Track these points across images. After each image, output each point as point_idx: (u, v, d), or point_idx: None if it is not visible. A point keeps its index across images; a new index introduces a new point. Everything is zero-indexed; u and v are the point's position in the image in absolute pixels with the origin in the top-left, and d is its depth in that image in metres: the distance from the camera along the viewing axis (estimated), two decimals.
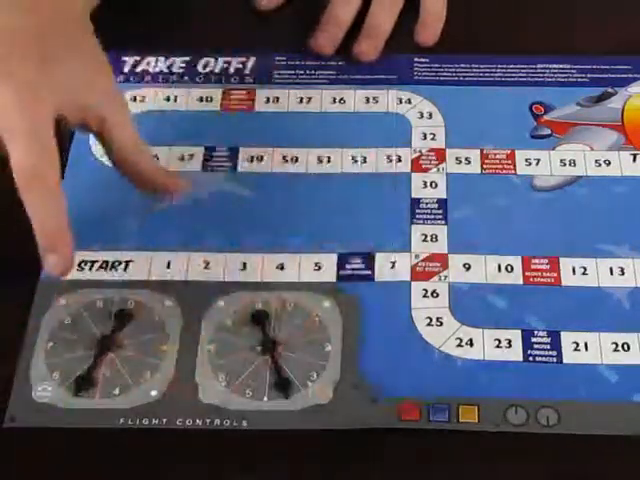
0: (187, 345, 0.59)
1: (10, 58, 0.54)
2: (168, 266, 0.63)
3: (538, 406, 0.57)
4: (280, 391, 0.57)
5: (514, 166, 0.67)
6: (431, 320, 0.60)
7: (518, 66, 0.73)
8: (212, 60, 0.74)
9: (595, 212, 0.65)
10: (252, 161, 0.68)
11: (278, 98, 0.72)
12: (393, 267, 0.62)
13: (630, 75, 0.72)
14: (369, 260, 0.63)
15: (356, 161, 0.68)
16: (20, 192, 0.53)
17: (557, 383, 0.58)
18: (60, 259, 0.55)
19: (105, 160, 0.68)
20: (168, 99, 0.72)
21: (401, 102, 0.71)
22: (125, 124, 0.58)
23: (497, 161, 0.68)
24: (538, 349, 0.59)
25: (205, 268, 0.63)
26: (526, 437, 0.56)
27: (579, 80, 0.72)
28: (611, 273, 0.62)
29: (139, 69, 0.73)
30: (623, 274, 0.62)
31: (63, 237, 0.54)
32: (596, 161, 0.68)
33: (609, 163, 0.67)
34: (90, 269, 0.62)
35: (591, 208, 0.65)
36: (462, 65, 0.73)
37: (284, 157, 0.68)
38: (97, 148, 0.68)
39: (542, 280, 0.62)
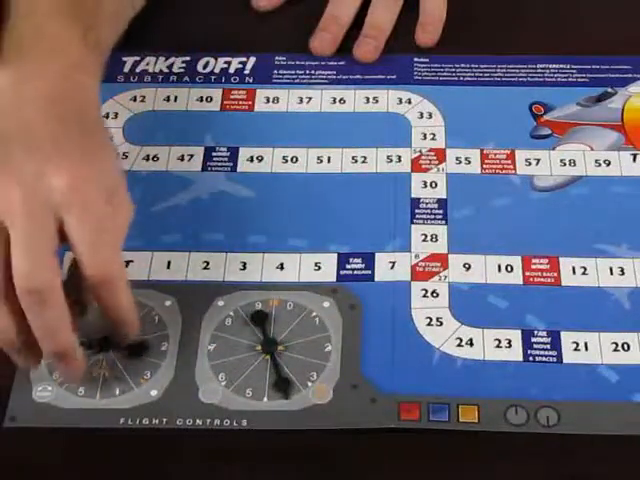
0: (187, 345, 0.59)
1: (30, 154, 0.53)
2: (168, 266, 0.63)
3: (538, 406, 0.57)
4: (280, 391, 0.57)
5: (514, 166, 0.67)
6: (431, 320, 0.60)
7: (518, 66, 0.73)
8: (212, 60, 0.74)
9: (595, 212, 0.65)
10: (252, 161, 0.68)
11: (278, 98, 0.72)
12: (393, 267, 0.62)
13: (630, 75, 0.72)
14: (369, 260, 0.63)
15: (356, 161, 0.68)
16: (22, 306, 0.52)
17: (557, 383, 0.58)
18: (69, 368, 0.55)
19: None
20: (168, 99, 0.72)
21: (401, 102, 0.71)
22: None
23: (497, 161, 0.68)
24: (538, 349, 0.59)
25: (205, 268, 0.63)
26: (526, 437, 0.56)
27: (579, 80, 0.72)
28: (611, 273, 0.62)
29: (139, 69, 0.73)
30: (623, 274, 0.62)
31: (67, 348, 0.54)
32: (596, 161, 0.68)
33: (609, 163, 0.67)
34: None
35: (591, 208, 0.65)
36: (462, 65, 0.73)
37: (284, 157, 0.68)
38: None
39: (542, 280, 0.62)
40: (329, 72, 0.73)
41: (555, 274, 0.62)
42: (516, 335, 0.59)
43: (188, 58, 0.74)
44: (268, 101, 0.72)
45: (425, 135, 0.69)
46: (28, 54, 0.57)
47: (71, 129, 0.55)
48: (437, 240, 0.64)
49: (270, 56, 0.74)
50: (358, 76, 0.73)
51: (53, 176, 0.52)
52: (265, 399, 0.57)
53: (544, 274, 0.62)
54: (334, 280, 0.62)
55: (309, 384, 0.58)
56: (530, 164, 0.67)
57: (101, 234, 0.53)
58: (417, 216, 0.65)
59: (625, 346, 0.59)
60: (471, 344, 0.59)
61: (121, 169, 0.58)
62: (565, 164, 0.67)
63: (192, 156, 0.68)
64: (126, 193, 0.57)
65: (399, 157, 0.68)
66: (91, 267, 0.53)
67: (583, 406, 0.57)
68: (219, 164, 0.68)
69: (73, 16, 0.60)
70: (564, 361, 0.58)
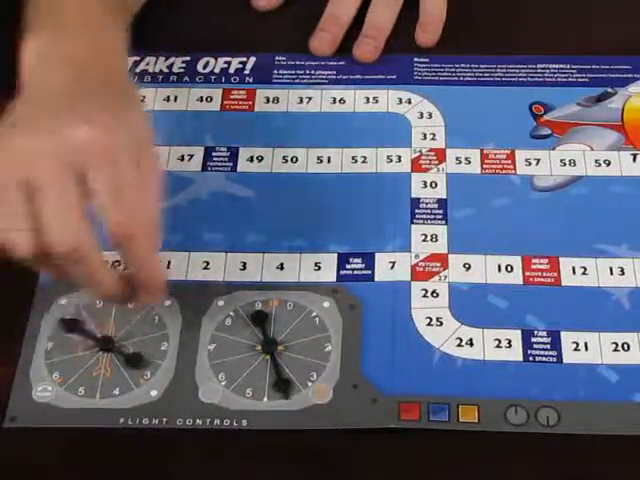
0: (187, 345, 0.59)
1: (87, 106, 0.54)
2: (168, 266, 0.63)
3: (538, 406, 0.57)
4: (280, 391, 0.57)
5: (514, 166, 0.67)
6: (431, 320, 0.60)
7: (518, 66, 0.73)
8: (212, 60, 0.74)
9: (595, 212, 0.65)
10: (252, 161, 0.68)
11: (278, 98, 0.72)
12: (393, 267, 0.62)
13: (630, 75, 0.72)
14: (369, 260, 0.63)
15: (356, 161, 0.68)
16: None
17: (557, 383, 0.58)
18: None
19: None
20: (168, 99, 0.72)
21: (401, 102, 0.71)
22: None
23: (497, 161, 0.68)
24: (538, 349, 0.59)
25: (205, 268, 0.63)
26: (526, 437, 0.56)
27: (579, 80, 0.72)
28: (611, 273, 0.62)
29: (139, 69, 0.73)
30: (623, 274, 0.62)
31: (109, 293, 0.55)
32: (596, 161, 0.68)
33: (609, 163, 0.67)
34: None
35: (591, 208, 0.65)
36: (462, 65, 0.73)
37: (284, 157, 0.68)
38: None
39: (542, 280, 0.62)
40: (329, 72, 0.73)
41: (555, 274, 0.62)
42: (516, 335, 0.60)
43: (188, 58, 0.74)
44: (268, 101, 0.72)
45: (425, 135, 0.69)
46: (59, 21, 0.57)
47: (96, 90, 0.55)
48: (437, 240, 0.64)
49: (270, 56, 0.74)
50: (358, 76, 0.73)
51: (75, 130, 0.52)
52: (265, 399, 0.57)
53: (544, 274, 0.62)
54: (334, 280, 0.62)
55: (309, 384, 0.58)
56: (530, 164, 0.67)
57: (124, 185, 0.52)
58: (417, 216, 0.65)
59: (625, 346, 0.59)
60: (471, 344, 0.59)
61: (150, 128, 0.57)
62: (565, 164, 0.67)
63: (192, 156, 0.68)
64: (154, 152, 0.56)
65: (399, 157, 0.68)
66: (112, 219, 0.52)
67: (583, 406, 0.57)
68: (219, 164, 0.68)
69: None
70: (564, 361, 0.59)
